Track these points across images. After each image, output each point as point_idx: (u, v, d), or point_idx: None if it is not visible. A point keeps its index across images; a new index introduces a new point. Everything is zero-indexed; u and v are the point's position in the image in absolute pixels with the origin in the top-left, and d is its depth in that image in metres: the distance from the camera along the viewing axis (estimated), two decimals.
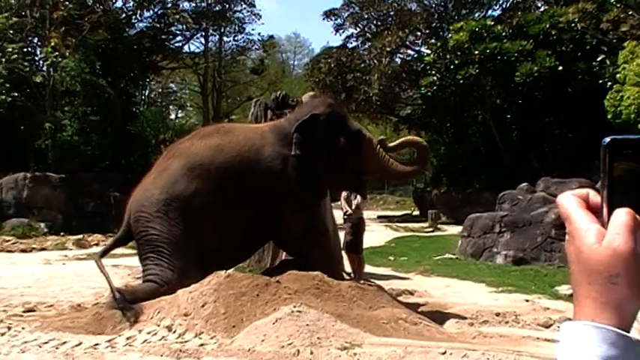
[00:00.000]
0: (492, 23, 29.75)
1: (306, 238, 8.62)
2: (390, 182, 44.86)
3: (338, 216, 12.48)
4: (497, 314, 8.60)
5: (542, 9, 31.59)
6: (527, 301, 10.11)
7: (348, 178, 8.95)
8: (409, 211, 39.24)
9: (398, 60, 37.06)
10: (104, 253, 8.98)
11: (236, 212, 8.27)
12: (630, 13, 23.06)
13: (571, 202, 0.82)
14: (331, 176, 8.78)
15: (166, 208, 8.12)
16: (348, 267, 11.85)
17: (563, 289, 10.70)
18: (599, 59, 25.35)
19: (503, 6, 34.71)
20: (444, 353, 5.53)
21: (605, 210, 0.79)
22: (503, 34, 28.97)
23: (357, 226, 10.94)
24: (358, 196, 10.85)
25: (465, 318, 8.43)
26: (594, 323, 0.75)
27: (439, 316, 8.45)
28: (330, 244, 9.28)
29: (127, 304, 7.34)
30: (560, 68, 26.43)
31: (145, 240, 8.19)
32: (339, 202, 11.67)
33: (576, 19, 25.30)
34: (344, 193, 10.97)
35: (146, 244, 8.18)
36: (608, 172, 0.78)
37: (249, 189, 8.32)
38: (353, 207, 11.03)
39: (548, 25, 27.53)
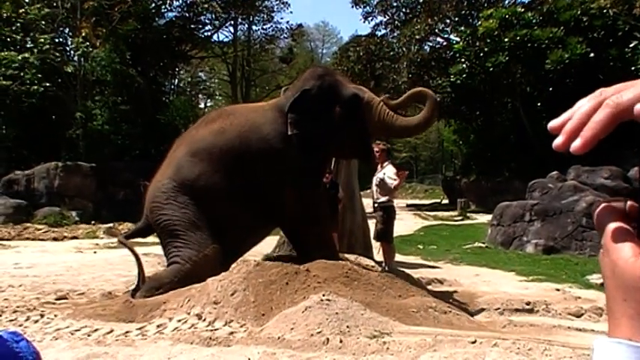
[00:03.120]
0: (522, 10, 29.54)
1: (302, 220, 8.54)
2: (419, 171, 44.55)
3: (367, 204, 12.44)
4: (528, 303, 8.53)
5: None
6: (557, 290, 10.01)
7: (354, 145, 8.71)
8: (438, 200, 39.20)
9: (427, 48, 37.00)
10: (127, 238, 9.15)
11: (240, 193, 8.27)
12: None
13: (605, 212, 0.76)
14: (335, 148, 8.70)
15: (175, 194, 8.29)
16: (378, 256, 11.84)
17: (595, 278, 10.59)
18: (631, 45, 25.03)
19: None
20: (474, 342, 5.50)
21: None
22: (534, 20, 28.73)
23: (387, 214, 10.75)
24: (390, 180, 10.53)
25: (495, 307, 8.39)
26: (631, 342, 0.69)
27: (469, 305, 8.43)
28: (324, 230, 9.09)
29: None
30: (592, 55, 26.17)
31: (160, 227, 8.38)
32: (369, 191, 11.50)
33: (608, 5, 25.01)
34: (375, 180, 10.74)
35: (162, 231, 8.38)
36: None
37: (251, 169, 8.30)
38: (386, 192, 10.69)
39: (579, 12, 27.26)
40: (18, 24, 25.98)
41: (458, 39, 33.05)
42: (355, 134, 8.53)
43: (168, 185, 8.38)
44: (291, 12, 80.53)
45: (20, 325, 6.83)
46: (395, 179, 10.22)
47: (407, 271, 10.53)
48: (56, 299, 8.55)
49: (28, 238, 17.69)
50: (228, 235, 8.30)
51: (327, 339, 5.61)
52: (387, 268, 10.09)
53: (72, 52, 29.02)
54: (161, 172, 8.81)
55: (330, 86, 8.57)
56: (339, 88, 8.63)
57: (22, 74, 24.15)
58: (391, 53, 35.40)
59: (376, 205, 10.52)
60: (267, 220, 8.84)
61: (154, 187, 8.65)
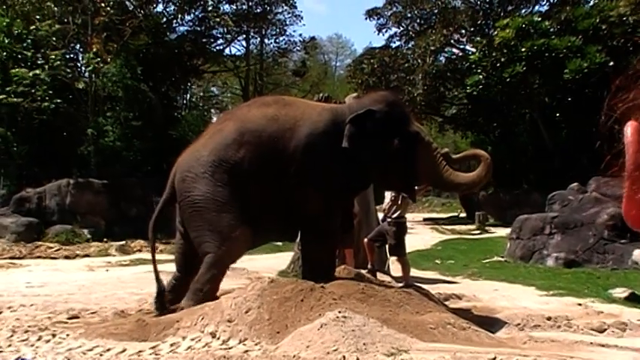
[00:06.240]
0: (539, 19, 29.40)
1: (315, 231, 8.38)
2: None
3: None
4: (549, 318, 8.49)
5: (591, 3, 30.94)
6: (579, 304, 9.91)
7: (396, 179, 8.59)
8: (456, 213, 39.06)
9: (442, 59, 36.92)
10: (156, 222, 8.88)
11: (280, 184, 8.12)
12: None
13: None
14: (378, 175, 8.51)
15: (213, 169, 8.13)
16: (393, 271, 11.71)
17: (617, 292, 10.46)
18: None
19: (551, 1, 34.03)
20: (494, 359, 5.40)
21: None
22: (551, 29, 28.63)
23: (399, 229, 10.58)
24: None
25: (515, 323, 8.34)
26: None
27: (488, 321, 8.36)
28: (333, 248, 8.96)
29: (163, 304, 7.89)
30: (612, 64, 25.90)
31: (188, 200, 8.22)
32: (383, 205, 11.35)
33: (628, 13, 24.79)
34: (389, 195, 10.58)
35: (189, 206, 8.22)
36: None
37: (294, 162, 8.13)
38: (400, 209, 10.54)
39: (598, 20, 27.08)
40: (29, 40, 26.08)
41: (474, 49, 33.00)
42: (402, 171, 8.38)
43: (208, 158, 8.23)
44: (303, 25, 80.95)
45: (32, 345, 6.79)
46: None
47: (424, 286, 10.37)
48: (68, 318, 8.50)
49: (39, 257, 17.69)
50: (258, 224, 8.20)
51: (344, 357, 5.54)
52: (407, 283, 9.90)
53: (83, 68, 29.08)
54: (202, 143, 8.65)
55: (397, 118, 8.37)
56: (405, 122, 8.44)
57: (33, 91, 24.17)
58: (406, 65, 35.26)
59: (389, 220, 10.37)
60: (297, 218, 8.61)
61: (192, 157, 8.47)
